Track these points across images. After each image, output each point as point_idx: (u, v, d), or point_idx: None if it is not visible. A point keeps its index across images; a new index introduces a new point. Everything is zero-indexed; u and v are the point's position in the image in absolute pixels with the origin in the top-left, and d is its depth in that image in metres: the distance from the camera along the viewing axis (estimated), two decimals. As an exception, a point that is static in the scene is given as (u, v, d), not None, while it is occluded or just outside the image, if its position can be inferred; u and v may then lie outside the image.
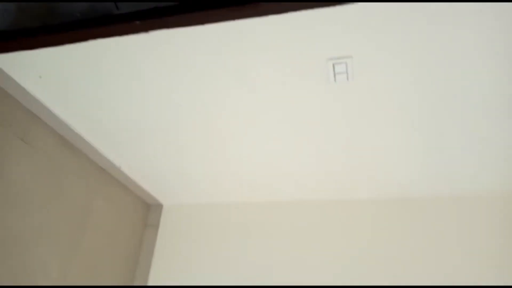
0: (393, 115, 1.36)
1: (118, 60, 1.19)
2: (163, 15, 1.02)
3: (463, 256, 1.71)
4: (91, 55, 1.17)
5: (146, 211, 2.10)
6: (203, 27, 1.02)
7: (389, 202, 1.89)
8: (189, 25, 1.02)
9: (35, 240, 1.41)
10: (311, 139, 1.51)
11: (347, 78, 1.19)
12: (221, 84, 1.26)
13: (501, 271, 1.65)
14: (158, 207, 2.12)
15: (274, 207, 1.98)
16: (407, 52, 1.10)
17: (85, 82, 1.29)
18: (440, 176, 1.71)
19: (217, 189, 1.96)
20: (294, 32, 1.04)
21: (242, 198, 2.00)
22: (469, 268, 1.68)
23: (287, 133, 1.48)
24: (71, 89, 1.32)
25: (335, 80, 1.19)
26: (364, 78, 1.19)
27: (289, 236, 1.92)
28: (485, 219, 1.77)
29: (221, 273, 1.88)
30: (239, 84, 1.26)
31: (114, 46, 1.13)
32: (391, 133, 1.45)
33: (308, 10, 0.97)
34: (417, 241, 1.78)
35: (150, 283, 1.94)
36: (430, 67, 1.15)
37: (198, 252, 1.97)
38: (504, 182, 1.70)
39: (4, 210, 1.30)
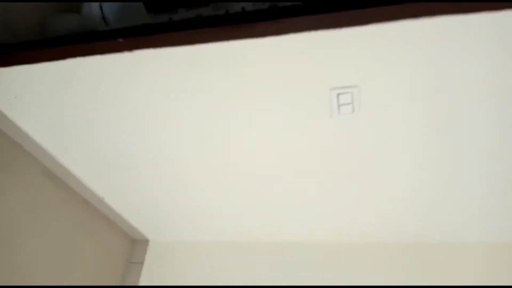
0: (402, 152, 1.23)
1: (101, 82, 1.08)
2: (150, 33, 0.92)
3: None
4: (72, 75, 1.06)
5: (131, 247, 1.94)
6: (194, 47, 0.92)
7: (396, 246, 1.74)
8: (178, 44, 0.91)
9: (16, 275, 1.29)
10: (312, 177, 1.37)
11: (353, 110, 1.07)
12: (213, 113, 1.14)
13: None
14: (144, 242, 1.95)
15: (268, 248, 1.82)
16: (419, 82, 0.99)
17: (67, 107, 1.17)
18: (448, 222, 1.57)
19: (209, 226, 1.80)
20: (293, 57, 0.94)
21: (235, 237, 1.84)
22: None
23: (285, 170, 1.35)
24: (51, 115, 1.21)
25: (339, 112, 1.07)
26: (371, 111, 1.07)
27: (285, 280, 1.74)
28: (495, 267, 1.62)
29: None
30: (232, 114, 1.14)
31: (97, 66, 1.02)
32: (399, 172, 1.32)
33: (311, 32, 0.87)
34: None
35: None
36: (442, 100, 1.03)
37: (185, 294, 1.79)
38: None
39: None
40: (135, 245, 1.96)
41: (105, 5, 1.25)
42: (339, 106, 1.08)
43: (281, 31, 0.88)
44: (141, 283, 1.85)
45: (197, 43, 0.91)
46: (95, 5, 1.24)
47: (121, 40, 0.91)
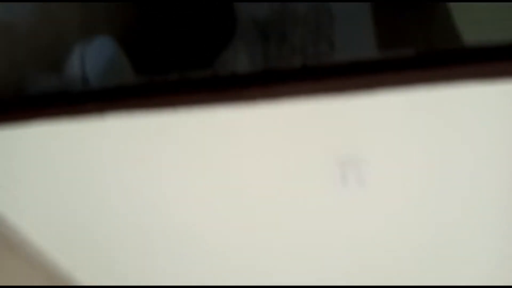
0: (408, 236, 1.07)
1: (67, 147, 0.94)
2: (125, 96, 0.80)
3: None
4: (34, 138, 0.93)
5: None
6: (174, 112, 0.79)
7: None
8: (155, 108, 0.79)
9: None
10: (309, 256, 1.19)
11: (361, 185, 0.93)
12: (202, 182, 1.00)
13: None
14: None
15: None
16: (431, 156, 0.85)
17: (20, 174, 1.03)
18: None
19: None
20: (291, 124, 0.81)
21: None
22: None
23: (279, 247, 1.17)
24: (6, 183, 1.06)
25: (345, 187, 0.92)
26: (381, 187, 0.93)
27: None
28: None
29: None
30: (222, 184, 0.99)
31: (54, 131, 0.90)
32: (405, 259, 1.15)
33: (309, 97, 0.74)
34: None
35: None
36: (457, 177, 0.89)
37: None
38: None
39: None
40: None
41: (89, 65, 1.16)
42: (344, 179, 0.93)
43: (276, 96, 0.75)
44: None
45: (178, 106, 0.79)
46: (77, 65, 1.15)
47: (90, 103, 0.78)
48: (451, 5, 1.05)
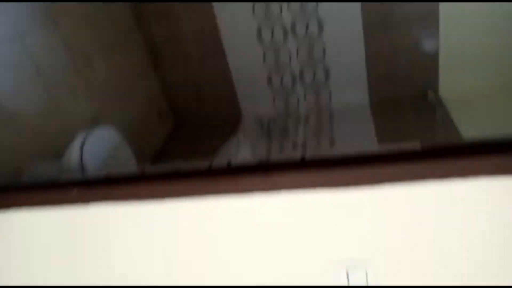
0: None
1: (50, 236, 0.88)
2: (112, 184, 0.77)
3: None
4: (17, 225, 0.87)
5: None
6: (162, 203, 0.74)
7: None
8: (143, 199, 0.74)
9: None
10: None
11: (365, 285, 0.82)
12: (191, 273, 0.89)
13: None
14: None
15: None
16: (446, 254, 0.76)
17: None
18: None
19: None
20: (284, 218, 0.74)
21: None
22: None
23: None
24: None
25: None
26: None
27: None
28: None
29: None
30: (215, 277, 0.88)
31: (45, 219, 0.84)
32: None
33: (307, 190, 0.70)
34: None
35: None
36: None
37: None
38: None
39: None
40: None
41: (88, 154, 1.16)
42: (349, 284, 0.82)
43: (272, 187, 0.71)
44: None
45: (167, 197, 0.74)
46: (76, 154, 1.14)
47: (75, 190, 0.74)
48: (450, 106, 1.08)
